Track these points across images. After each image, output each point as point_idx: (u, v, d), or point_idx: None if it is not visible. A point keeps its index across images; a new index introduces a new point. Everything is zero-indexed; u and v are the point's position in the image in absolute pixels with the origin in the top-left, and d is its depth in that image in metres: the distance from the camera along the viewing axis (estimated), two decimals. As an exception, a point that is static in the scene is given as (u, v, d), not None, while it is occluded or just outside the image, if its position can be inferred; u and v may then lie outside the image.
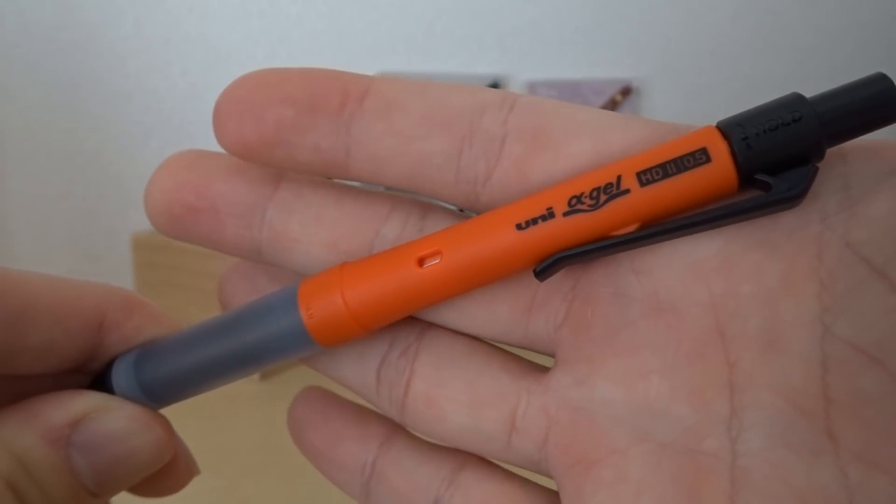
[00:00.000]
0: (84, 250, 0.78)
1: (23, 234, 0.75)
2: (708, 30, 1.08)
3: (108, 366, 0.16)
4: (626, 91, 1.01)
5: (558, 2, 0.98)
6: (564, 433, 0.12)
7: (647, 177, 0.13)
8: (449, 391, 0.13)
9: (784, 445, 0.10)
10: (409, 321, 0.14)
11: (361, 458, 0.14)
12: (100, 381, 0.16)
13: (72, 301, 0.15)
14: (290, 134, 0.12)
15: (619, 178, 0.13)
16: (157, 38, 0.78)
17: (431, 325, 0.14)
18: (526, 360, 0.14)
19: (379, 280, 0.14)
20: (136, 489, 0.16)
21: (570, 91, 1.00)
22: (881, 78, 0.12)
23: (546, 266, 0.13)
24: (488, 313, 0.14)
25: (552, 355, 0.13)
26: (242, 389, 0.58)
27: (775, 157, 0.12)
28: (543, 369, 0.13)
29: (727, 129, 0.13)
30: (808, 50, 1.15)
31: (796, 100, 0.13)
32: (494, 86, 0.95)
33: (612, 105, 1.01)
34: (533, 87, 0.98)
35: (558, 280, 0.13)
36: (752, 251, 0.11)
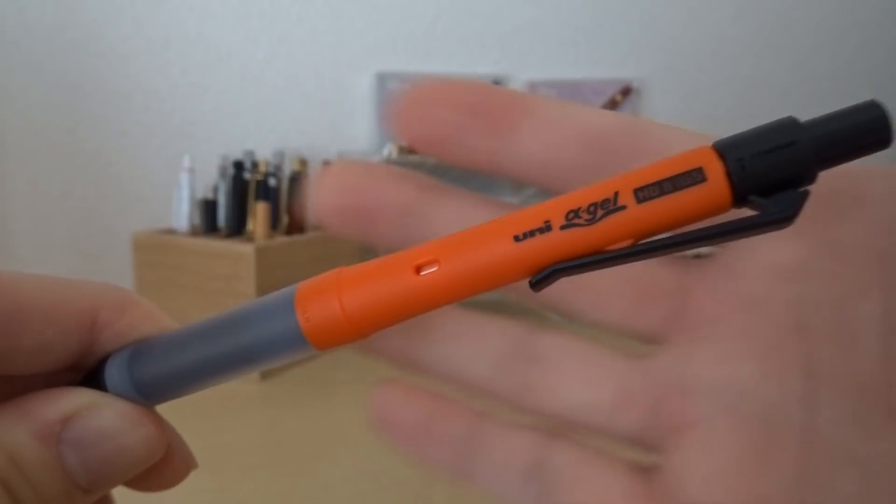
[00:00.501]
0: (84, 250, 0.78)
1: (23, 233, 0.75)
2: (708, 30, 1.08)
3: (101, 363, 0.16)
4: (626, 91, 1.01)
5: (558, 2, 0.98)
6: (666, 405, 0.14)
7: (643, 194, 0.13)
8: (564, 370, 0.16)
9: (852, 421, 0.12)
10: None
11: (457, 430, 0.16)
12: (92, 378, 0.16)
13: (64, 301, 0.15)
14: (454, 134, 0.15)
15: (616, 193, 0.13)
16: (157, 38, 0.78)
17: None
18: (630, 345, 0.16)
19: (376, 286, 0.14)
20: (135, 484, 0.16)
21: (570, 91, 1.00)
22: (874, 105, 0.13)
23: (542, 277, 0.14)
24: (601, 310, 0.16)
25: (658, 343, 0.15)
26: (241, 389, 0.59)
27: (769, 179, 0.13)
28: (648, 353, 0.15)
29: (723, 149, 0.13)
30: (808, 50, 1.15)
31: (791, 124, 0.13)
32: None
33: (612, 105, 1.01)
34: (533, 87, 0.98)
35: (662, 278, 0.15)
36: (827, 259, 0.13)
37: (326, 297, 0.14)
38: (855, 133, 0.13)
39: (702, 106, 1.10)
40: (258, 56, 0.83)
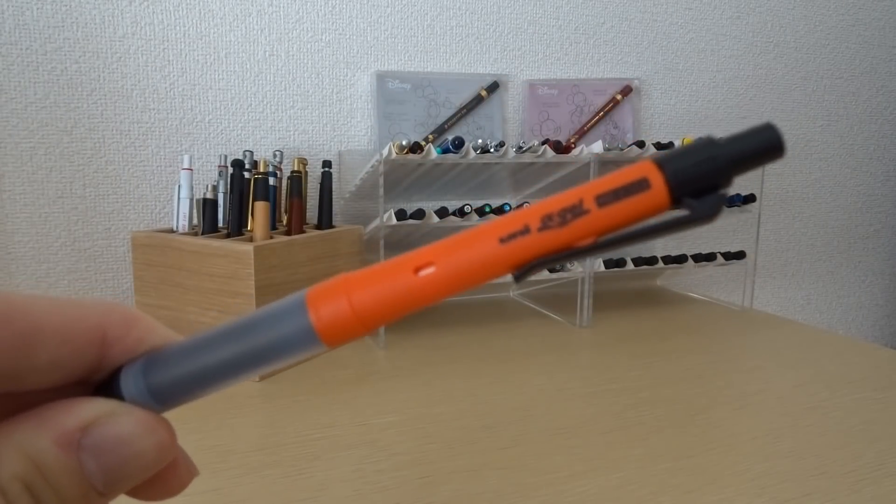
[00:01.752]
0: (82, 250, 0.78)
1: (21, 233, 0.75)
2: (708, 30, 1.08)
3: (114, 374, 0.17)
4: (627, 91, 1.01)
5: (558, 2, 0.98)
6: None
7: (603, 199, 0.16)
8: None
9: None
10: None
11: None
12: (106, 388, 0.17)
13: (75, 321, 0.16)
14: None
15: (581, 200, 0.16)
16: (155, 37, 0.78)
17: None
18: None
19: (381, 286, 0.16)
20: (142, 493, 0.17)
21: (570, 91, 1.00)
22: (770, 127, 0.16)
23: (524, 272, 0.16)
24: None
25: None
26: (242, 389, 0.58)
27: (697, 185, 0.16)
28: None
29: (661, 163, 0.16)
30: (809, 49, 1.15)
31: (711, 143, 0.17)
32: (494, 86, 0.94)
33: (613, 105, 1.00)
34: (533, 87, 0.98)
35: None
36: None
37: (336, 297, 0.16)
38: (758, 148, 0.16)
39: (702, 106, 1.10)
40: (258, 56, 0.83)
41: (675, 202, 0.16)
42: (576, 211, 0.16)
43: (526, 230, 0.16)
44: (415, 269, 0.16)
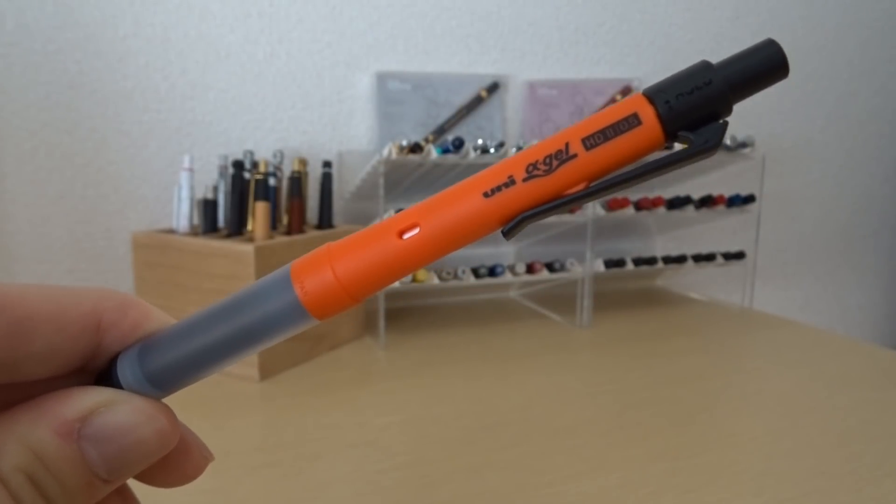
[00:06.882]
0: (83, 250, 0.78)
1: (22, 233, 0.75)
2: (708, 29, 1.08)
3: (112, 362, 0.17)
4: (626, 91, 1.01)
5: (558, 2, 0.98)
6: None
7: (590, 141, 0.15)
8: None
9: None
10: None
11: None
12: (105, 377, 0.17)
13: (69, 308, 0.16)
14: None
15: (567, 144, 0.15)
16: (156, 37, 0.78)
17: None
18: None
19: (365, 254, 0.15)
20: (159, 480, 0.17)
21: (570, 91, 1.00)
22: (771, 43, 0.15)
23: (512, 226, 0.15)
24: None
25: None
26: (241, 389, 0.58)
27: (693, 116, 0.15)
28: None
29: (652, 95, 0.15)
30: (808, 50, 1.15)
31: (706, 67, 0.15)
32: (494, 86, 0.94)
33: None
34: (533, 87, 0.98)
35: None
36: None
37: (320, 268, 0.15)
38: (759, 67, 0.15)
39: (702, 106, 1.10)
40: (258, 56, 0.83)
41: (671, 137, 0.15)
42: (562, 156, 0.15)
43: (511, 182, 0.15)
44: (399, 233, 0.15)
